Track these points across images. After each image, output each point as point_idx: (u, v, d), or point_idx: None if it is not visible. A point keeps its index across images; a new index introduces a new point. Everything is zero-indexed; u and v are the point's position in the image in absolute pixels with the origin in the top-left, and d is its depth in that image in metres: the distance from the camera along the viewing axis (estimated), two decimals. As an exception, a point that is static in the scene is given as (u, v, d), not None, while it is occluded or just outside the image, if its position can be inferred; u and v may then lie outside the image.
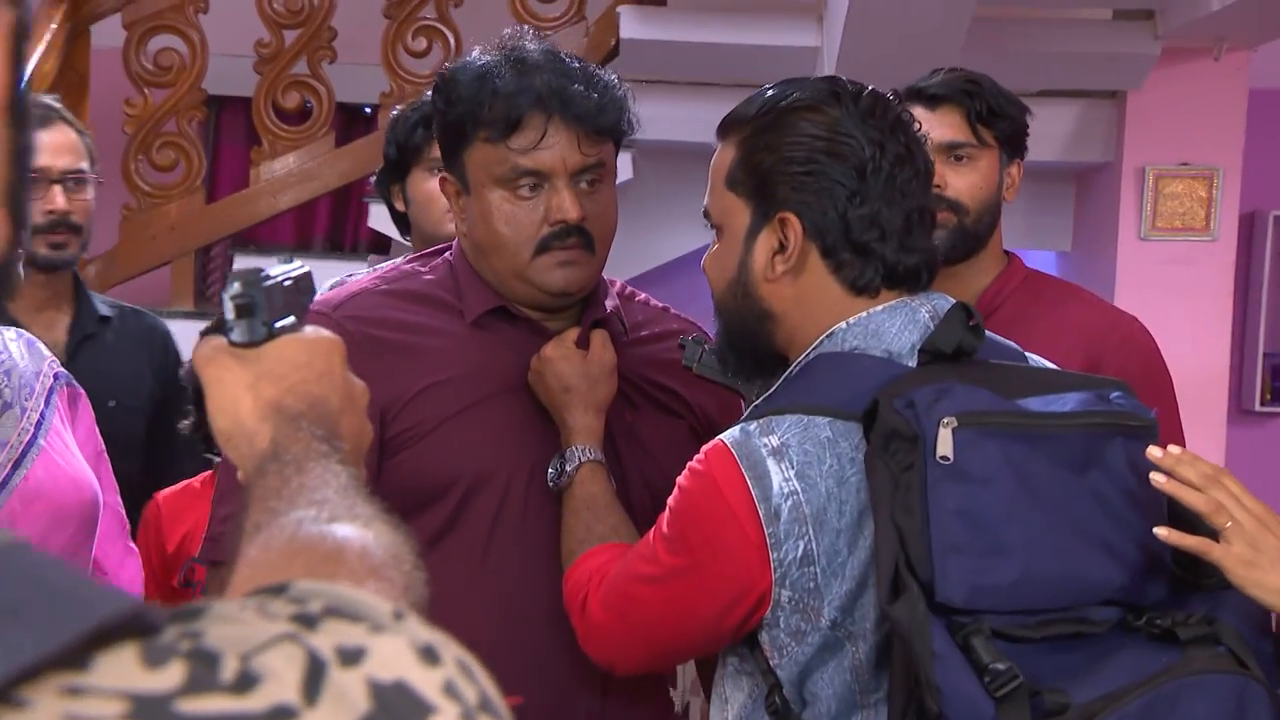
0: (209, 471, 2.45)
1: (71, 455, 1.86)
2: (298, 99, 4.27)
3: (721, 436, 1.43)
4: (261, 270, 1.00)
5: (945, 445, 1.31)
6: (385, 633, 0.51)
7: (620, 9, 4.09)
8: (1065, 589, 1.35)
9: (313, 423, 0.93)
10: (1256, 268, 5.13)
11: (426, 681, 0.51)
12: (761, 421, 1.42)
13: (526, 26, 4.19)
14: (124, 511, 2.02)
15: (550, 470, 1.68)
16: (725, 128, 1.52)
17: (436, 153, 2.53)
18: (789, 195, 1.45)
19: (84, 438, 1.92)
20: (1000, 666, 1.26)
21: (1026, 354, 1.54)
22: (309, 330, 1.01)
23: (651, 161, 4.33)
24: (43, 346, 1.93)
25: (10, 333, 1.90)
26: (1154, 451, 1.41)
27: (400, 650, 0.51)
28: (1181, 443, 2.11)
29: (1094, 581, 1.36)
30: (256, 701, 0.46)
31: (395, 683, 0.49)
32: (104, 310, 2.73)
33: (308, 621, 0.51)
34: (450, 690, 0.51)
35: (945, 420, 1.32)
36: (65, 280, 2.68)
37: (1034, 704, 1.26)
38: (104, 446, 1.97)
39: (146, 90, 4.24)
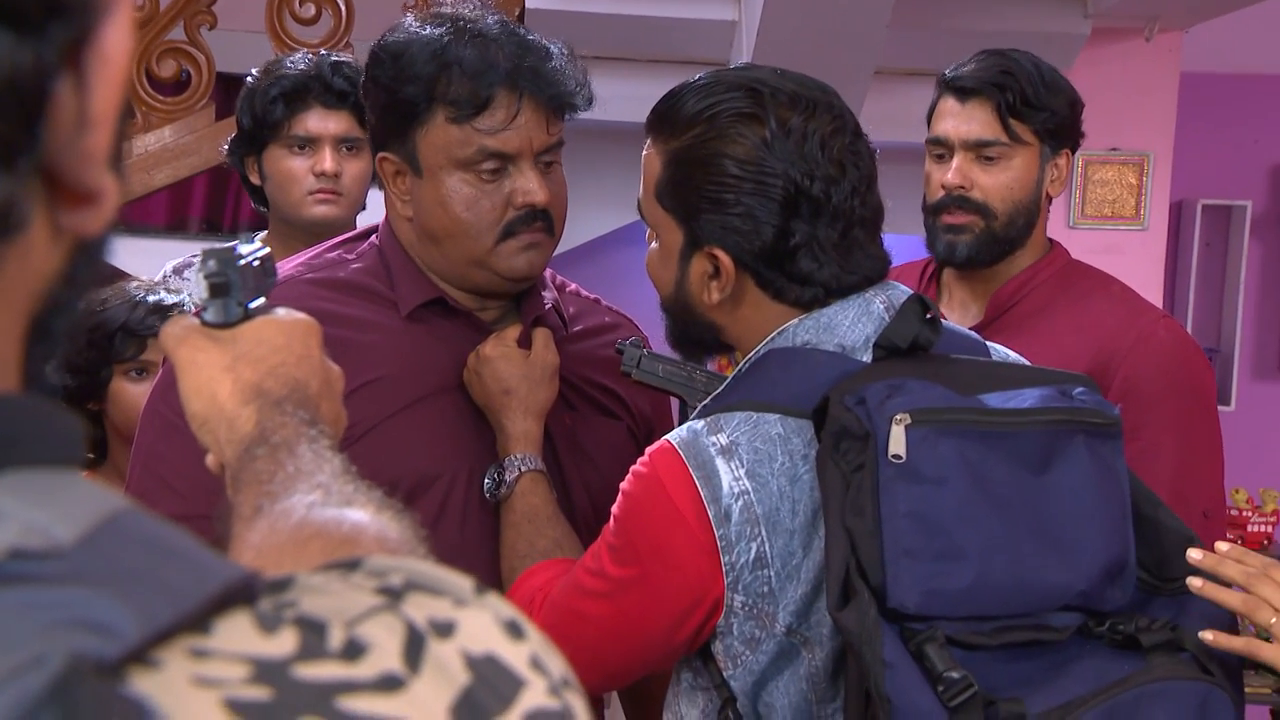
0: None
1: None
2: (175, 68, 4.02)
3: (668, 436, 1.38)
4: (235, 248, 0.99)
5: (898, 443, 1.28)
6: (469, 607, 0.52)
7: (526, -24, 3.88)
8: (1023, 595, 1.31)
9: (296, 406, 0.92)
10: (1184, 260, 5.00)
11: (514, 655, 0.51)
12: (710, 420, 1.38)
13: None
14: None
15: (487, 481, 1.61)
16: (652, 129, 1.46)
17: (297, 130, 2.29)
18: (716, 230, 1.40)
19: None
20: (954, 675, 1.23)
21: (990, 346, 1.49)
22: (281, 311, 1.00)
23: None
24: None
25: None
26: (1194, 554, 1.37)
27: (487, 624, 0.51)
28: (1200, 469, 2.01)
29: (1053, 586, 1.32)
30: (365, 669, 0.46)
31: (486, 655, 0.50)
32: None
33: (393, 594, 0.50)
34: (536, 663, 0.52)
35: (898, 417, 1.28)
36: None
37: (988, 714, 1.24)
38: None
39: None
